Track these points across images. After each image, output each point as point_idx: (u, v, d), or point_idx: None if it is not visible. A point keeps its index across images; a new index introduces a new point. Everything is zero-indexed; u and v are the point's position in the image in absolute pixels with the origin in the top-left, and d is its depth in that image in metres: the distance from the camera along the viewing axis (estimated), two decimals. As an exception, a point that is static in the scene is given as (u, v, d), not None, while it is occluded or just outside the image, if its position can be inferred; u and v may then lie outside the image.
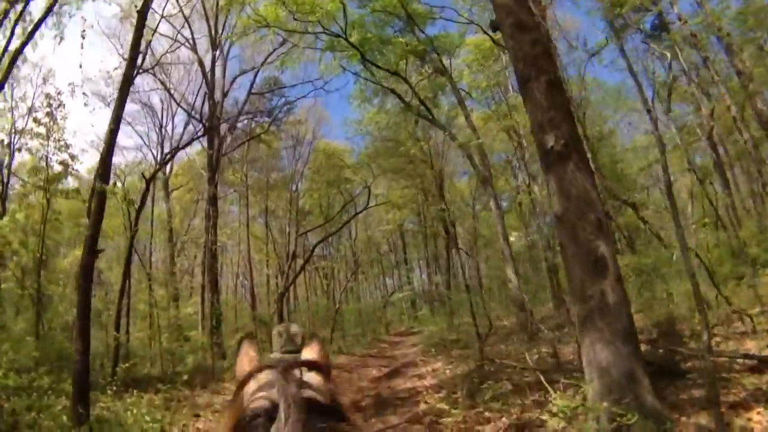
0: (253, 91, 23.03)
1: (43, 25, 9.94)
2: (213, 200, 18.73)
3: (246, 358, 1.15)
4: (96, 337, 13.09)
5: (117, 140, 8.24)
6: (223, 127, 21.77)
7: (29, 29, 9.52)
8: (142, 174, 16.32)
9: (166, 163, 20.82)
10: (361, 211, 25.70)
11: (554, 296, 21.57)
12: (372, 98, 21.59)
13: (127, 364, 11.19)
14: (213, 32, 20.67)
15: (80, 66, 18.40)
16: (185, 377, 10.98)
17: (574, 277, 5.34)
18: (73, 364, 6.85)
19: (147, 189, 15.12)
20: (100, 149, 8.50)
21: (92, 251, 6.95)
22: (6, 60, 9.22)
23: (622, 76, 39.78)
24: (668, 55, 12.98)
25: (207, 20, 20.86)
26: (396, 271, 47.68)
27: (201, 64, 20.56)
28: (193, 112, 21.07)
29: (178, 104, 21.75)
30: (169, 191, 23.95)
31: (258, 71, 22.96)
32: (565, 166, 5.59)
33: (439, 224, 32.50)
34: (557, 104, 6.04)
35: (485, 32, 17.56)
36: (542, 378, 6.80)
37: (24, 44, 9.49)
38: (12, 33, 9.08)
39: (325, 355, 1.23)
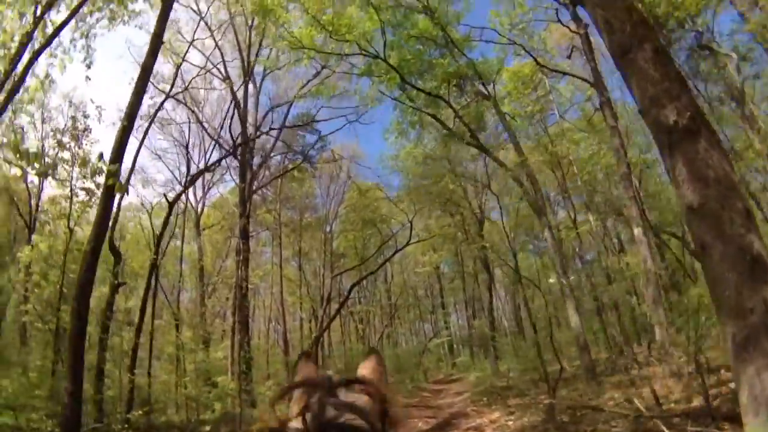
0: (286, 124, 22.35)
1: (62, 36, 9.47)
2: (244, 234, 17.74)
3: (300, 376, 1.07)
4: (116, 379, 12.00)
5: (139, 157, 7.27)
6: (256, 162, 21.07)
7: (49, 33, 8.84)
8: (165, 195, 15.51)
9: (190, 185, 19.88)
10: (403, 247, 24.05)
11: (607, 338, 19.86)
12: (409, 131, 20.64)
13: (142, 411, 9.90)
14: (246, 62, 20.18)
15: (87, 78, 17.37)
16: (208, 428, 9.66)
17: (724, 284, 3.96)
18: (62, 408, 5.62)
19: (169, 213, 14.25)
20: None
21: (91, 268, 5.83)
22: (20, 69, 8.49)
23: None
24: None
25: (239, 50, 20.45)
26: (432, 316, 45.67)
27: (233, 92, 20.01)
28: (222, 140, 20.43)
29: (208, 133, 21.16)
30: (201, 229, 23.17)
31: (291, 104, 22.36)
32: (696, 144, 4.33)
33: (478, 264, 30.93)
34: (670, 74, 4.86)
35: (527, 52, 16.65)
36: (661, 424, 5.22)
37: (40, 51, 8.81)
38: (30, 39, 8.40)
39: (380, 371, 1.10)
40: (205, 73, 20.51)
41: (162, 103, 17.30)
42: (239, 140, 19.49)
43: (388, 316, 30.42)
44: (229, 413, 13.08)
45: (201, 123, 21.05)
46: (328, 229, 31.14)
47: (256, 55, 20.38)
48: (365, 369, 1.12)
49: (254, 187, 20.21)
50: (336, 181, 29.22)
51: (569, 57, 18.92)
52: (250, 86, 21.37)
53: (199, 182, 22.66)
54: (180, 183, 22.41)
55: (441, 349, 42.77)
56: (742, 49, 16.63)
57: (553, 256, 15.56)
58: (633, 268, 16.27)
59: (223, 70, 20.56)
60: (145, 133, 16.19)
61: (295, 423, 0.83)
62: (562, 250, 15.93)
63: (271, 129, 21.98)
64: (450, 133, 16.64)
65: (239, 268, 16.48)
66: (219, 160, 19.58)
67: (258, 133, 21.10)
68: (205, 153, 22.83)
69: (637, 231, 11.92)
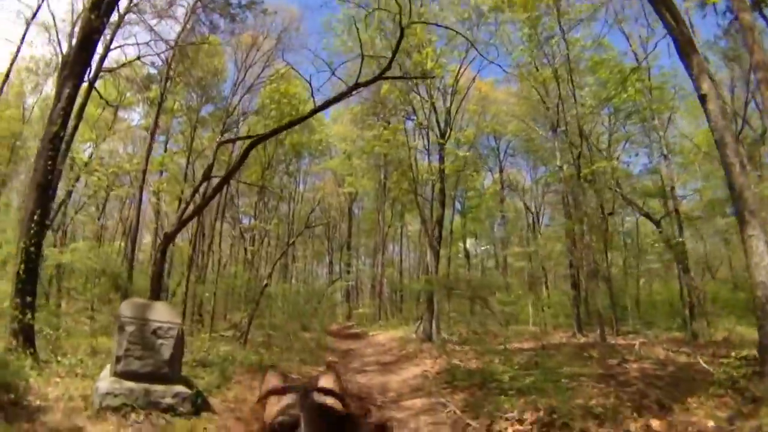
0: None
1: None
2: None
3: (269, 385, 1.18)
4: None
5: None
6: None
7: None
8: None
9: None
10: (322, 108, 15.69)
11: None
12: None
13: None
14: None
15: None
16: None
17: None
18: None
19: None
20: None
21: None
22: None
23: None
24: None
25: None
26: (338, 255, 39.92)
27: None
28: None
29: None
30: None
31: None
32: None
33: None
34: None
35: None
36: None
37: None
38: None
39: (341, 387, 1.19)
40: None
41: None
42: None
43: (285, 245, 23.82)
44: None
45: None
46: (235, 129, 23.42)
47: None
48: (325, 381, 1.22)
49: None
50: (255, 60, 21.35)
51: None
52: None
53: None
54: None
55: (339, 296, 37.54)
56: None
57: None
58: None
59: None
60: None
61: (281, 418, 0.96)
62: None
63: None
64: None
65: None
66: None
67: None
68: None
69: None
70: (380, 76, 9.98)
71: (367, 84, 10.55)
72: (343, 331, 25.98)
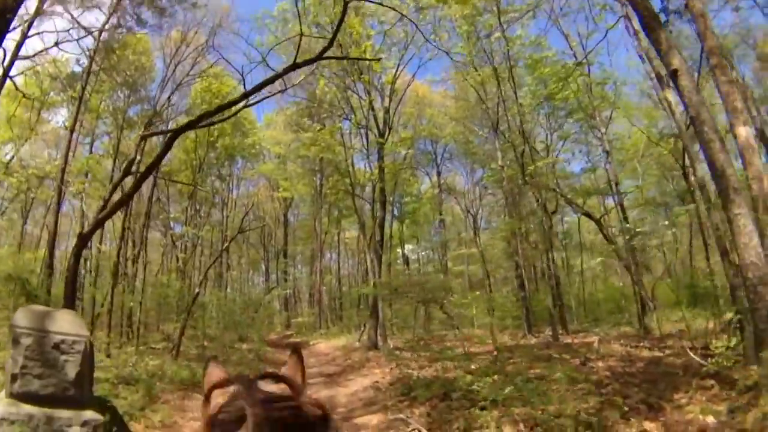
0: None
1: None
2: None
3: (211, 378, 1.03)
4: None
5: None
6: None
7: None
8: None
9: None
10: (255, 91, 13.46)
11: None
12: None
13: None
14: None
15: None
16: None
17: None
18: None
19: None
20: None
21: None
22: None
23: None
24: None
25: None
26: (274, 263, 38.48)
27: None
28: None
29: None
30: None
31: None
32: None
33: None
34: None
35: None
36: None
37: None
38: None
39: (300, 369, 1.07)
40: None
41: None
42: None
43: (219, 251, 22.35)
44: None
45: None
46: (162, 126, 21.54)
47: None
48: (288, 368, 1.08)
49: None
50: (184, 56, 19.71)
51: None
52: None
53: None
54: None
55: (277, 304, 36.09)
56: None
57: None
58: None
59: None
60: None
61: (226, 412, 0.82)
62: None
63: None
64: None
65: None
66: None
67: None
68: None
69: None
70: (321, 56, 9.13)
71: (306, 63, 9.64)
72: (282, 341, 24.76)
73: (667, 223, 16.48)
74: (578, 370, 8.17)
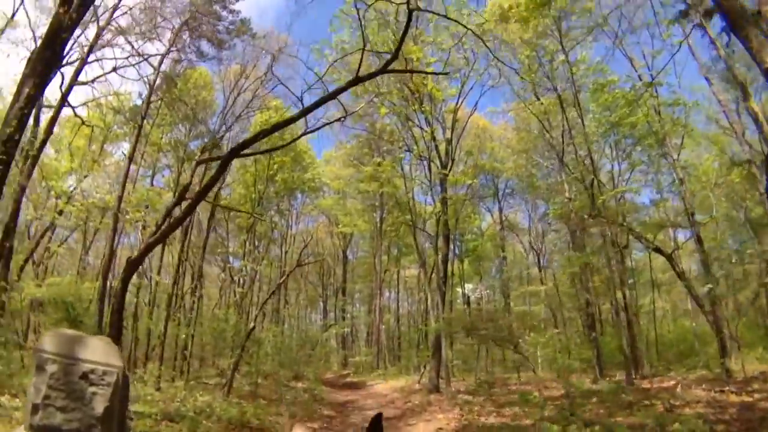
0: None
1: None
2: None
3: None
4: None
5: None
6: None
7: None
8: None
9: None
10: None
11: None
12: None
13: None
14: None
15: None
16: None
17: None
18: None
19: None
20: None
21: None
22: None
23: None
24: None
25: None
26: (333, 301, 38.24)
27: None
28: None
29: None
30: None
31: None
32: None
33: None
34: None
35: None
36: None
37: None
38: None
39: None
40: None
41: None
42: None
43: (276, 286, 22.17)
44: None
45: None
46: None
47: None
48: None
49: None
50: (244, 87, 20.10)
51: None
52: None
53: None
54: None
55: (335, 342, 35.57)
56: None
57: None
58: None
59: None
60: None
61: None
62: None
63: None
64: None
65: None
66: None
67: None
68: None
69: None
70: (385, 68, 8.81)
71: (369, 77, 9.43)
72: (339, 381, 24.06)
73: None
74: (667, 418, 7.09)
